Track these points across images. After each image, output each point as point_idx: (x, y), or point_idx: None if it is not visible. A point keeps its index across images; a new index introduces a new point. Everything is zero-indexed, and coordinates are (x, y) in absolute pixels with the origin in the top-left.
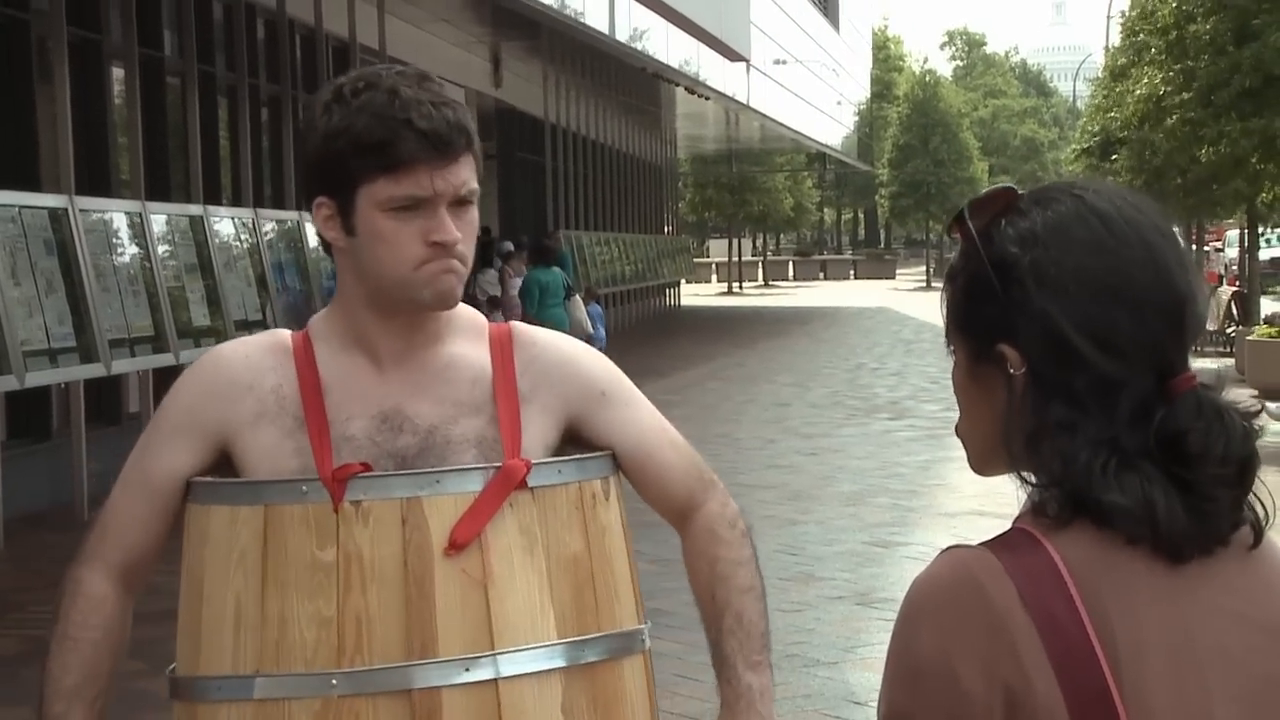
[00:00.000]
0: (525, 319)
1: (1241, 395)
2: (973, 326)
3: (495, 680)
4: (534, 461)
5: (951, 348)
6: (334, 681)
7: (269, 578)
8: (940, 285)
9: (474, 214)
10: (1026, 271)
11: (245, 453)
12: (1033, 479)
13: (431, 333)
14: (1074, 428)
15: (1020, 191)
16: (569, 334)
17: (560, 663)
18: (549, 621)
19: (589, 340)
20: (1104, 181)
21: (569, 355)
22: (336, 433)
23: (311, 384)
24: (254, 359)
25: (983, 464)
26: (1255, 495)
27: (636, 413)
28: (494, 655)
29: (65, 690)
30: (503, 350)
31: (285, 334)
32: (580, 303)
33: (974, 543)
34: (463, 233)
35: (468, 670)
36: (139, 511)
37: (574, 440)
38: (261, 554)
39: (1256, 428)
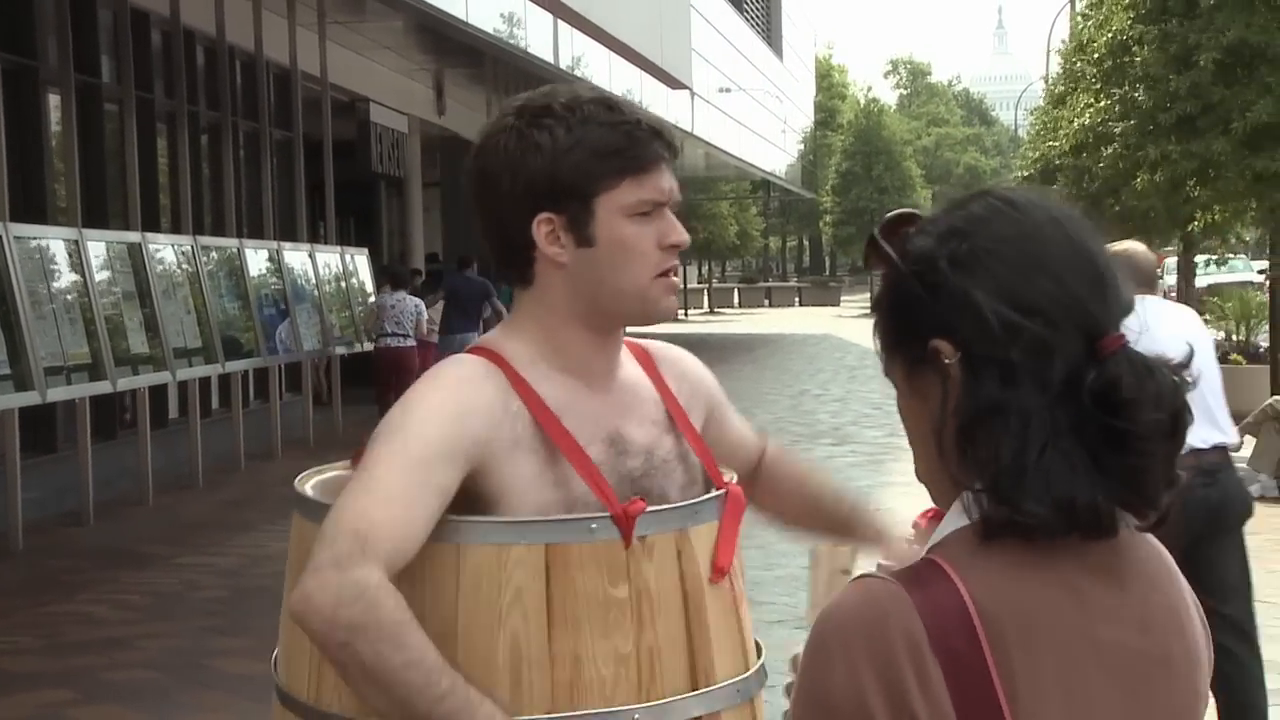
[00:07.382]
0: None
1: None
2: (904, 337)
3: (751, 700)
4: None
5: (892, 378)
6: (636, 716)
7: (555, 616)
8: None
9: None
10: (945, 261)
11: (503, 481)
12: (967, 490)
13: (620, 352)
14: (1006, 408)
15: (920, 214)
16: None
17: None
18: (752, 638)
19: None
20: (1016, 188)
21: (695, 364)
22: None
23: (545, 411)
24: (492, 381)
25: (947, 500)
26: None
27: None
28: (747, 677)
29: (439, 663)
30: (651, 367)
31: (483, 359)
32: None
33: (883, 574)
34: None
35: (738, 692)
36: (417, 515)
37: None
38: (544, 593)
39: (1186, 380)
